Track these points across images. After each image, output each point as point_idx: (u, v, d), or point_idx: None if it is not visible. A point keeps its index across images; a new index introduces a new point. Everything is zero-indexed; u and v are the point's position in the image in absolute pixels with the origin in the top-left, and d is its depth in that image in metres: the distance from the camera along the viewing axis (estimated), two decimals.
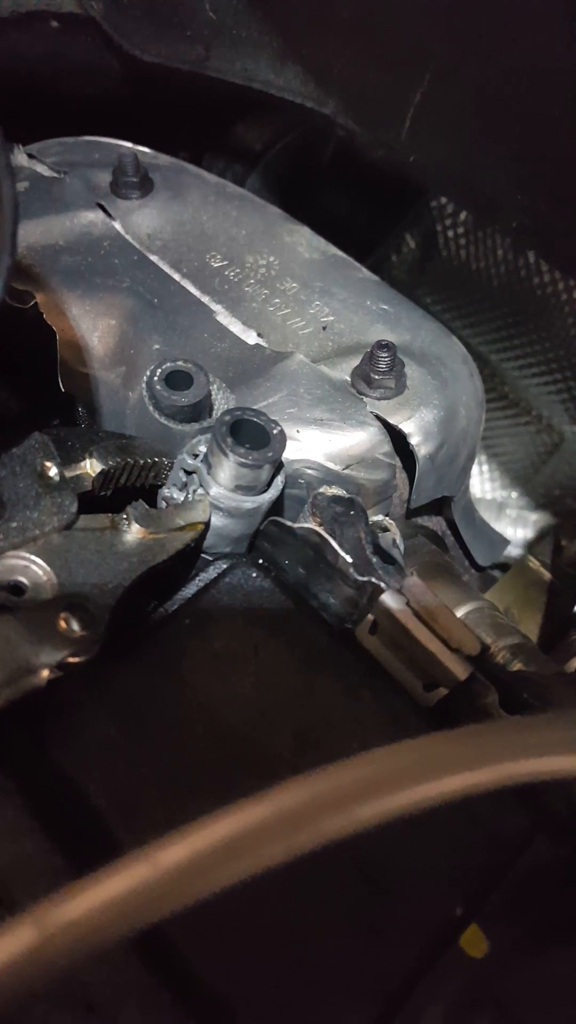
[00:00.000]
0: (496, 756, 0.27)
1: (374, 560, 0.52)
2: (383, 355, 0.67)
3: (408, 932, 0.43)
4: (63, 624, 0.45)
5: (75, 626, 0.45)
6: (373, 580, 0.51)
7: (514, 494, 1.38)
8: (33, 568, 0.47)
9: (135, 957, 0.40)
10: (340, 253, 0.83)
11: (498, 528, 1.17)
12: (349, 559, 0.52)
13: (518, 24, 0.65)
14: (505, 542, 0.96)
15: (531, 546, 1.18)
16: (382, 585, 0.51)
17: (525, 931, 0.43)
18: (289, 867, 0.39)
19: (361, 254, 1.31)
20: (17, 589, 0.47)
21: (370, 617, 0.53)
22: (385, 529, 0.58)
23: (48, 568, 0.47)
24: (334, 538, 0.53)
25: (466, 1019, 0.41)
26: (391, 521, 0.60)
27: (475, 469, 1.38)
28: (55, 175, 0.84)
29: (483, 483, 1.40)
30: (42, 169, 0.85)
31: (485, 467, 1.40)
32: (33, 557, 0.47)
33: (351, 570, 0.52)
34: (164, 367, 0.60)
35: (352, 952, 0.42)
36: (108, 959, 0.39)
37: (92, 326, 0.72)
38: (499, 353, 1.32)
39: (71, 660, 0.45)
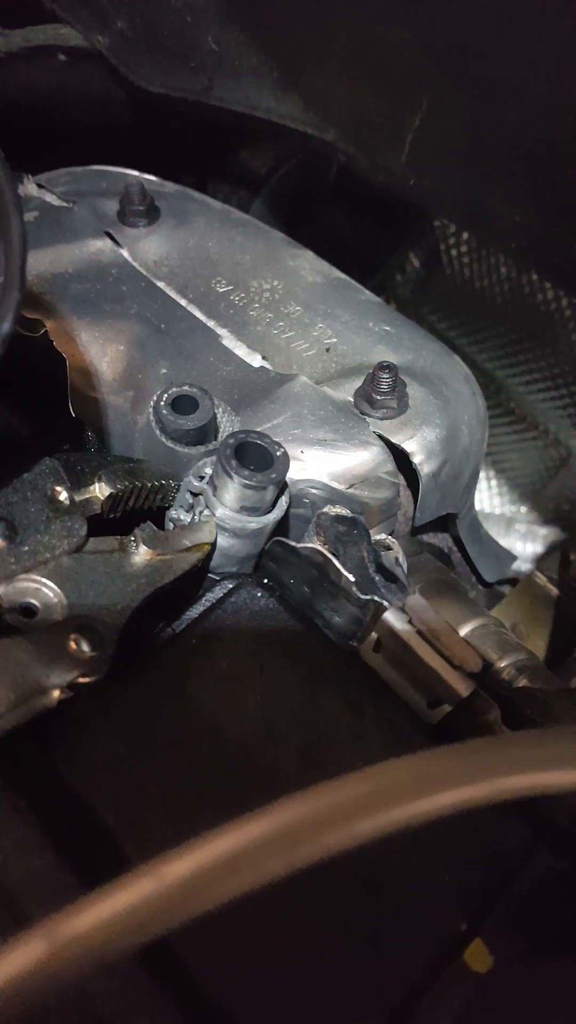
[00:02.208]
0: (490, 772, 0.28)
1: (377, 579, 0.53)
2: (385, 376, 0.68)
3: (412, 947, 0.44)
4: (73, 645, 0.46)
5: (85, 647, 0.46)
6: (376, 599, 0.52)
7: (523, 509, 1.39)
8: (44, 590, 0.48)
9: (143, 970, 0.41)
10: (343, 276, 0.85)
11: (507, 543, 1.18)
12: (352, 578, 0.53)
13: (513, 51, 0.67)
14: (512, 557, 0.96)
15: (539, 561, 1.18)
16: (385, 604, 0.52)
17: (528, 945, 0.44)
18: (294, 882, 0.40)
19: (366, 274, 1.33)
20: (29, 611, 0.48)
21: (374, 635, 0.54)
22: (388, 548, 0.59)
23: (58, 590, 0.48)
24: (337, 557, 0.54)
25: None
26: (394, 540, 0.61)
27: (483, 484, 1.39)
28: (64, 204, 0.86)
29: (491, 498, 1.41)
30: (51, 199, 0.87)
31: (493, 482, 1.40)
32: (44, 580, 0.48)
33: (354, 589, 0.53)
34: (170, 392, 0.61)
35: (356, 966, 0.43)
36: (116, 972, 0.40)
37: (101, 352, 0.74)
38: (505, 369, 1.33)
39: (81, 680, 0.46)
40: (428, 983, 0.43)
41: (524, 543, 1.32)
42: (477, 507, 1.39)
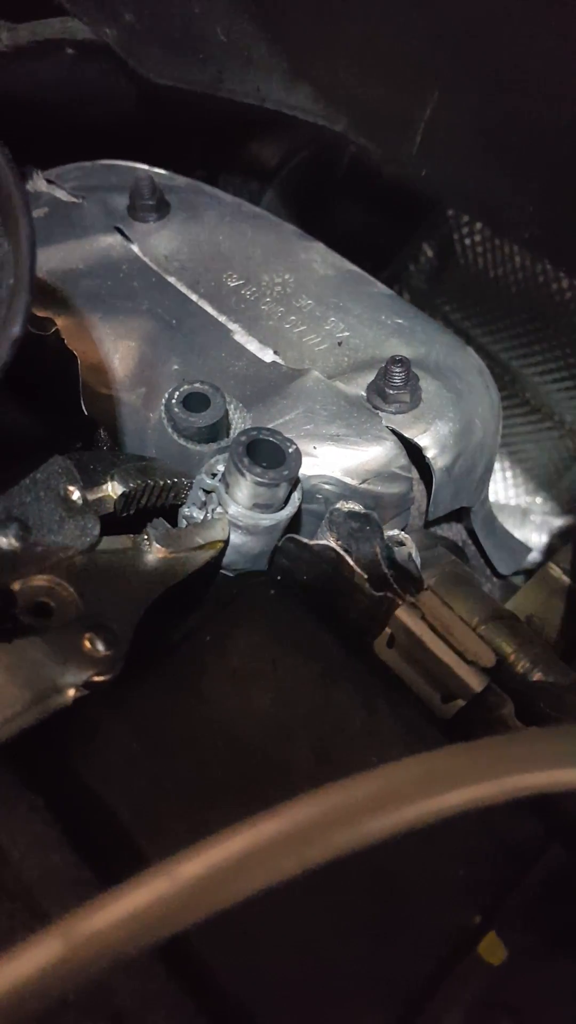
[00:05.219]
0: (500, 770, 0.28)
1: (389, 575, 0.53)
2: (397, 370, 0.68)
3: (426, 940, 0.44)
4: (87, 644, 0.47)
5: (99, 646, 0.47)
6: (388, 595, 0.52)
7: (538, 499, 1.38)
8: (58, 590, 0.49)
9: (161, 966, 0.41)
10: (355, 268, 0.84)
11: (523, 534, 1.17)
12: (365, 574, 0.53)
13: (521, 41, 0.66)
14: (527, 550, 0.96)
15: (554, 553, 1.18)
16: (397, 600, 0.52)
17: (543, 938, 0.44)
18: (309, 878, 0.40)
19: (379, 265, 1.32)
20: (43, 610, 0.48)
21: (387, 631, 0.54)
22: (401, 543, 0.59)
23: (72, 590, 0.49)
24: (350, 554, 0.54)
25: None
26: (407, 535, 0.61)
27: (499, 475, 1.38)
28: (74, 200, 0.86)
29: (507, 489, 1.40)
30: (61, 194, 0.87)
31: (509, 473, 1.40)
32: (58, 579, 0.49)
33: (367, 585, 0.53)
34: (182, 389, 0.61)
35: (371, 960, 0.43)
36: (134, 969, 0.41)
37: (113, 348, 0.74)
38: (520, 359, 1.32)
39: (96, 679, 0.46)
40: (442, 976, 0.43)
41: (540, 534, 1.31)
42: (492, 498, 1.38)
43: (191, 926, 0.27)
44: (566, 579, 0.91)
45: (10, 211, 0.44)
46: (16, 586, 0.47)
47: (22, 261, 0.42)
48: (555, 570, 0.91)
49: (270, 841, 0.27)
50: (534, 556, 1.08)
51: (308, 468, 0.64)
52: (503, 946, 0.44)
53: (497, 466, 1.35)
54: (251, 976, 0.43)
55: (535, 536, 1.29)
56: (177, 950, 0.42)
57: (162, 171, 0.91)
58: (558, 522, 1.31)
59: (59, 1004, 0.34)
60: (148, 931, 0.26)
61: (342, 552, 0.54)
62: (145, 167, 0.91)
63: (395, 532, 0.61)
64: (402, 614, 0.51)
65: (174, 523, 0.58)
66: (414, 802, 0.27)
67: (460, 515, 0.83)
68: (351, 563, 0.53)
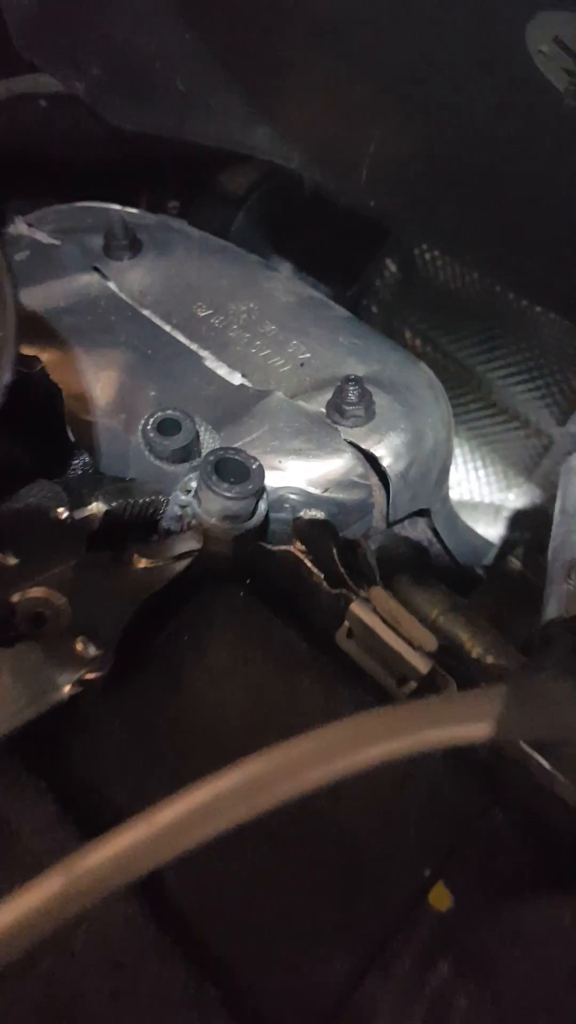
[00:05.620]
0: (411, 728, 0.35)
1: (344, 574, 0.60)
2: (352, 387, 0.75)
3: (382, 891, 0.50)
4: (80, 647, 0.53)
5: (90, 648, 0.53)
6: (344, 591, 0.59)
7: (510, 496, 1.44)
8: (52, 600, 0.55)
9: (153, 922, 0.48)
10: (315, 293, 0.91)
11: (496, 530, 1.24)
12: (322, 575, 0.60)
13: (448, 81, 0.73)
14: (489, 545, 1.03)
15: (515, 547, 1.24)
16: (352, 595, 0.59)
17: (486, 889, 0.51)
18: (278, 838, 0.47)
19: (348, 280, 1.39)
20: (39, 619, 0.55)
21: (346, 624, 0.61)
22: (358, 546, 0.66)
23: (64, 600, 0.55)
24: (309, 557, 0.61)
25: (433, 964, 0.48)
26: (363, 539, 0.67)
27: (472, 475, 1.45)
28: (53, 242, 0.93)
29: (480, 488, 1.46)
30: (40, 237, 0.94)
31: (481, 472, 1.46)
32: (51, 591, 0.55)
33: (324, 584, 0.60)
34: (155, 416, 0.68)
35: (333, 909, 0.50)
36: (129, 922, 0.47)
37: (94, 379, 0.81)
38: (484, 364, 1.38)
39: (88, 677, 0.53)
40: (396, 922, 0.50)
41: (510, 530, 1.37)
42: (467, 497, 1.45)
43: (167, 863, 0.34)
44: (524, 571, 0.98)
45: None
46: (15, 599, 0.54)
47: (8, 318, 0.48)
48: (514, 563, 0.98)
49: (228, 791, 0.33)
50: (500, 550, 1.15)
51: (275, 480, 0.71)
52: (450, 894, 0.51)
53: (470, 466, 1.42)
54: (228, 926, 0.49)
55: (508, 532, 1.36)
56: (165, 907, 0.49)
57: (134, 210, 0.98)
58: (528, 517, 1.38)
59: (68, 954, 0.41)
60: (131, 867, 0.33)
61: (301, 556, 0.60)
62: (117, 207, 0.98)
63: (353, 536, 0.67)
64: (356, 608, 0.58)
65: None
66: (343, 756, 0.34)
67: (423, 516, 0.89)
68: (310, 565, 0.60)
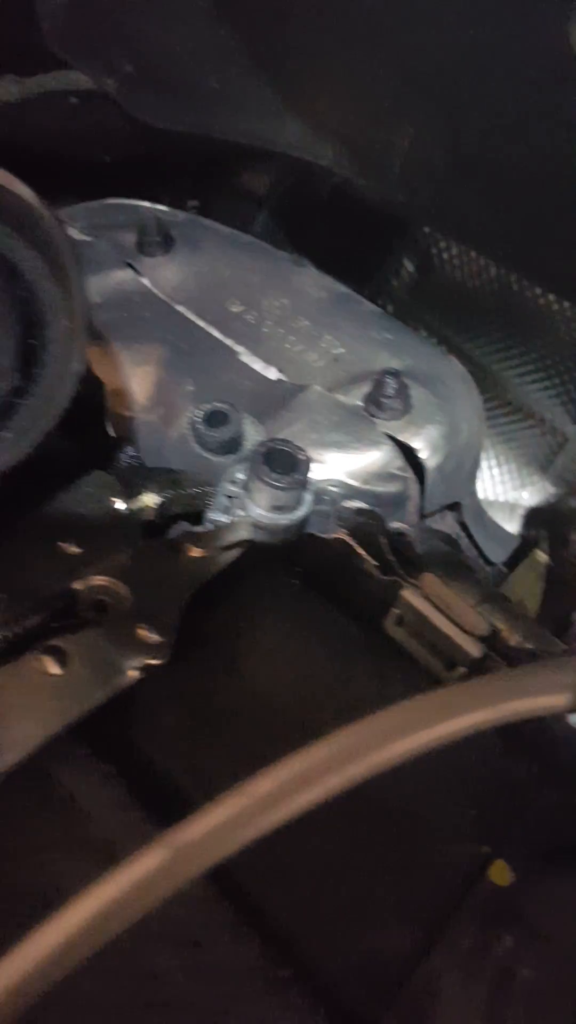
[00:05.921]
0: (497, 698, 0.36)
1: (394, 561, 0.61)
2: (390, 381, 0.76)
3: (443, 869, 0.52)
4: (142, 633, 0.54)
5: (152, 635, 0.54)
6: (395, 579, 0.60)
7: (525, 494, 1.46)
8: (113, 588, 0.56)
9: (226, 903, 0.49)
10: (344, 288, 0.93)
11: (511, 527, 1.25)
12: (374, 562, 0.61)
13: (480, 77, 0.74)
14: (515, 539, 1.04)
15: (540, 542, 1.25)
16: (403, 583, 0.60)
17: (543, 861, 0.52)
18: (342, 819, 0.48)
19: (364, 278, 1.40)
20: (102, 606, 0.56)
21: (395, 611, 0.62)
22: (402, 534, 0.67)
23: (126, 587, 0.56)
24: (359, 545, 0.62)
25: (497, 937, 0.50)
26: (408, 527, 0.69)
27: (487, 473, 1.46)
28: (85, 239, 0.93)
29: (495, 486, 1.47)
30: (73, 234, 0.95)
31: (496, 471, 1.47)
32: (113, 579, 0.56)
33: (376, 571, 0.61)
34: (204, 409, 0.69)
35: (398, 887, 0.51)
36: (205, 904, 0.49)
37: (132, 374, 0.82)
38: (500, 363, 1.39)
39: (150, 663, 0.54)
40: (459, 898, 0.51)
41: (526, 527, 1.38)
42: (482, 495, 1.47)
43: (265, 834, 0.35)
44: (551, 564, 0.99)
45: (60, 264, 0.52)
46: (79, 586, 0.55)
47: (77, 307, 0.49)
48: (541, 556, 0.99)
49: (323, 760, 0.35)
50: (522, 546, 1.16)
51: (315, 473, 0.72)
52: (510, 870, 0.52)
53: (485, 464, 1.43)
54: (295, 905, 0.50)
55: (523, 529, 1.37)
56: (237, 888, 0.50)
57: (164, 208, 0.99)
58: (544, 514, 1.39)
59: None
60: (232, 838, 0.34)
61: (353, 544, 0.62)
62: (147, 204, 0.99)
63: (397, 524, 0.69)
64: (407, 594, 0.59)
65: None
66: (412, 735, 0.35)
67: (453, 509, 0.91)
68: (361, 552, 0.61)
